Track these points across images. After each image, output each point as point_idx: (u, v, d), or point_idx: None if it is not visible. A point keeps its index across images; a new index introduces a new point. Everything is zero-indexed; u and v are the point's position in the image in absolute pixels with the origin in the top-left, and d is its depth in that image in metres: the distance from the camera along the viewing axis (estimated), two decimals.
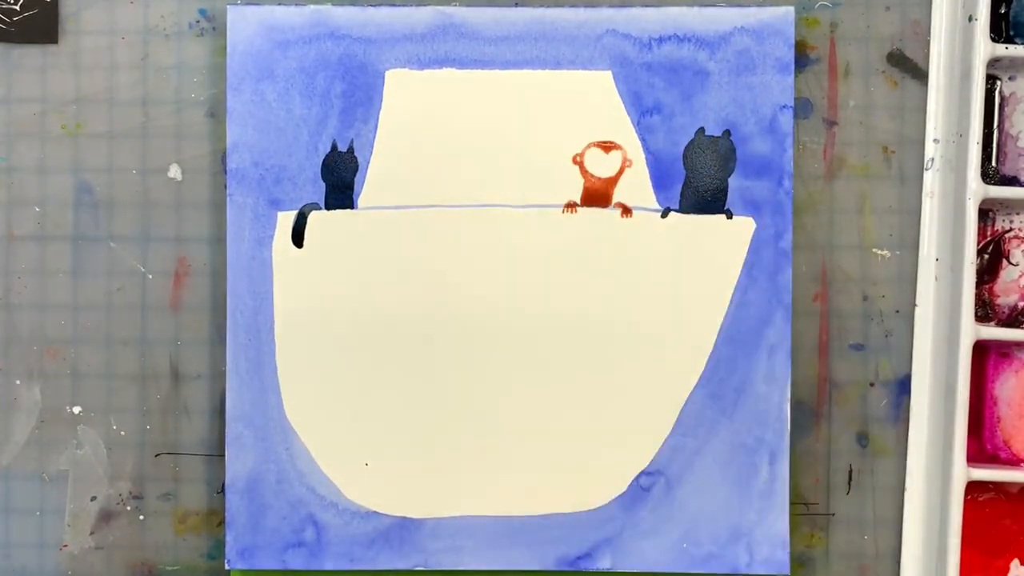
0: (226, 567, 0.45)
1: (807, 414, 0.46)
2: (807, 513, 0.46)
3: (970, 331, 0.44)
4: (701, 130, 0.45)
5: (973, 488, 0.46)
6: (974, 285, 0.44)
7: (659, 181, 0.45)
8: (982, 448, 0.46)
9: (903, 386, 0.46)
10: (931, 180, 0.46)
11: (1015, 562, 0.46)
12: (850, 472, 0.46)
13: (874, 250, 0.46)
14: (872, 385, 0.46)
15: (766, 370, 0.45)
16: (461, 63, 0.45)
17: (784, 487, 0.45)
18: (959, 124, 0.45)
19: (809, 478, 0.46)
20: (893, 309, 0.46)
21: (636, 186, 0.45)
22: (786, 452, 0.45)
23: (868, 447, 0.46)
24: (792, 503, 0.46)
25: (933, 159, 0.45)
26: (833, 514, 0.46)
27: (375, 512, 0.46)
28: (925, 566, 0.46)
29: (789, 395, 0.45)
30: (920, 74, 0.46)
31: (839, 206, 0.46)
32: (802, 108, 0.46)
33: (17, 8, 0.45)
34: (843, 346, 0.46)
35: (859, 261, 0.46)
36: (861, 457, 0.46)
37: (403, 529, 0.46)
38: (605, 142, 0.45)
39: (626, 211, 0.45)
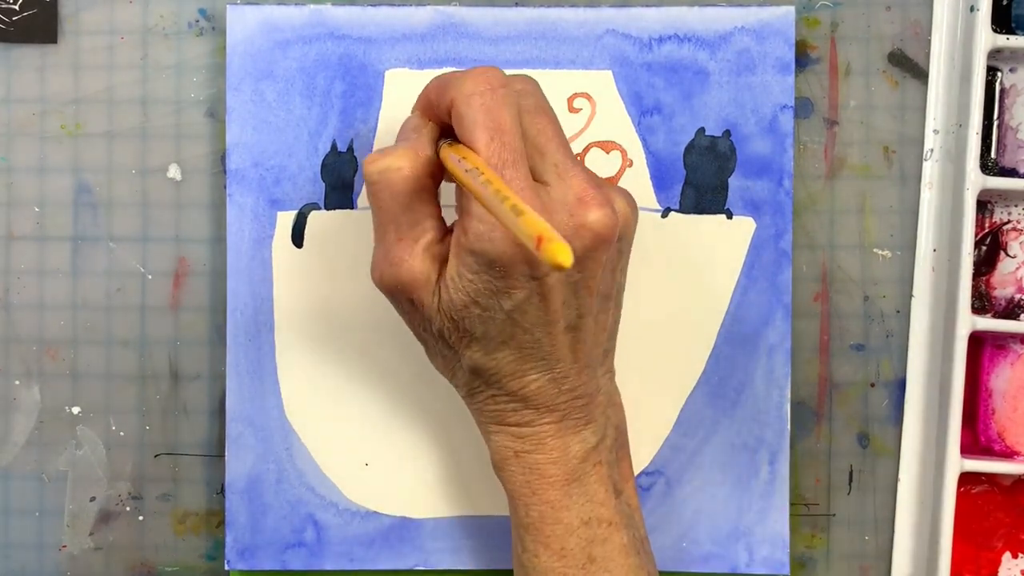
0: (226, 567, 0.45)
1: (807, 414, 0.46)
2: (807, 513, 0.46)
3: (966, 322, 0.44)
4: (701, 130, 0.45)
5: (966, 480, 0.46)
6: (971, 276, 0.44)
7: (659, 181, 0.45)
8: (976, 440, 0.46)
9: (904, 386, 0.46)
10: (930, 171, 0.46)
11: (1007, 555, 0.46)
12: (850, 472, 0.46)
13: (874, 250, 0.46)
14: (872, 385, 0.46)
15: (766, 370, 0.45)
16: (461, 63, 0.45)
17: (784, 487, 0.45)
18: (959, 115, 0.45)
19: (809, 478, 0.46)
20: (894, 309, 0.46)
21: (636, 186, 0.45)
22: (786, 452, 0.45)
23: (868, 447, 0.46)
24: (792, 503, 0.46)
25: (932, 150, 0.45)
26: (833, 514, 0.46)
27: (375, 512, 0.46)
28: (917, 557, 0.46)
29: (789, 395, 0.45)
30: (920, 74, 0.46)
31: (839, 206, 0.46)
32: (802, 108, 0.46)
33: (17, 8, 0.45)
34: (843, 346, 0.46)
35: (859, 261, 0.46)
36: (861, 457, 0.46)
37: (403, 529, 0.46)
38: (605, 142, 0.45)
39: None
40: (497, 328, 0.37)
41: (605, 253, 0.37)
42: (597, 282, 0.37)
